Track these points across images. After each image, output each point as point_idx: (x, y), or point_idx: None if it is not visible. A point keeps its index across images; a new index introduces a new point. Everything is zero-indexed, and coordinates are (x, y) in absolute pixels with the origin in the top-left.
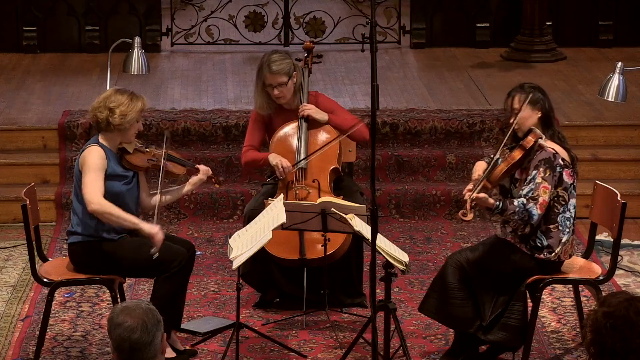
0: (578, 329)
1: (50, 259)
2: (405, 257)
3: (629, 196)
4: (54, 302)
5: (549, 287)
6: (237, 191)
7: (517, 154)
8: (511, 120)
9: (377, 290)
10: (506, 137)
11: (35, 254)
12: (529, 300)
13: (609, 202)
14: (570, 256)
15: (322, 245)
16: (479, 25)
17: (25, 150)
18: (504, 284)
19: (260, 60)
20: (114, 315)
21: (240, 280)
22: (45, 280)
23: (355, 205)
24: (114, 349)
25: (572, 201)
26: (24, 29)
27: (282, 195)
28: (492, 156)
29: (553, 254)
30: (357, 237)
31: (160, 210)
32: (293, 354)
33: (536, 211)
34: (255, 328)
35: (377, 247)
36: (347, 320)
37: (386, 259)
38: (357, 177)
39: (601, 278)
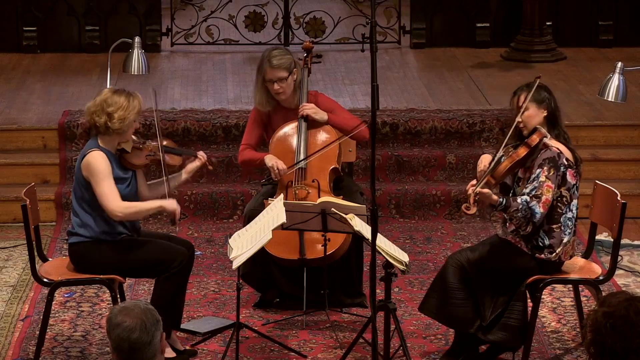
0: (578, 329)
1: (50, 259)
2: (405, 257)
3: (629, 196)
4: (54, 302)
5: (549, 287)
6: (237, 191)
7: (522, 152)
8: (517, 118)
9: (377, 290)
10: (509, 133)
11: (35, 254)
12: (529, 300)
13: (609, 202)
14: (571, 257)
15: (322, 245)
16: (479, 25)
17: (25, 150)
18: (504, 284)
19: (260, 57)
20: (113, 315)
21: (240, 280)
22: (45, 280)
23: (355, 205)
24: (113, 349)
25: (575, 202)
26: (24, 29)
27: (282, 195)
28: (496, 152)
29: (554, 254)
30: (357, 237)
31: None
32: (293, 354)
33: (539, 209)
34: (255, 328)
35: (377, 247)
36: (347, 320)
37: (386, 259)
38: (357, 177)
39: (601, 278)
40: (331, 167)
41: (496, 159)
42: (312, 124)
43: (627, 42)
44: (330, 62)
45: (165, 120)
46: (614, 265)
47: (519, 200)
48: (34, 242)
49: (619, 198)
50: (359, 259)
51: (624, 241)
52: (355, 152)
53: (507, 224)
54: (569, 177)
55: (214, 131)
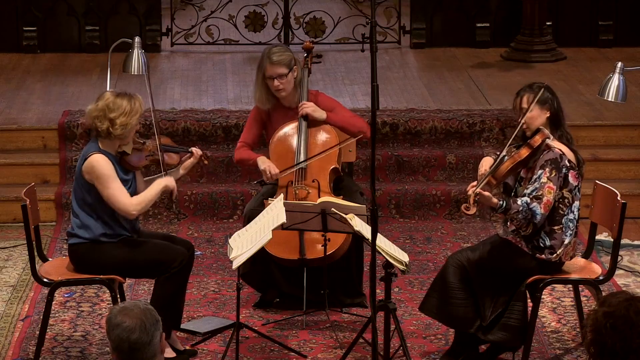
0: (578, 329)
1: (50, 259)
2: (405, 257)
3: (629, 196)
4: (54, 302)
5: (549, 287)
6: (237, 191)
7: (524, 152)
8: (519, 119)
9: (377, 290)
10: (513, 135)
11: (35, 254)
12: (529, 300)
13: (609, 202)
14: (572, 257)
15: (322, 246)
16: (479, 25)
17: (25, 150)
18: (504, 284)
19: (261, 54)
20: (112, 315)
21: (240, 280)
22: (45, 280)
23: (355, 205)
24: (113, 349)
25: (576, 203)
26: (24, 29)
27: (282, 195)
28: (498, 153)
29: (554, 254)
30: (357, 237)
31: (160, 211)
32: (293, 354)
33: (540, 211)
34: (255, 328)
35: (377, 247)
36: (347, 320)
37: (386, 259)
38: (357, 177)
39: (601, 278)
40: (331, 167)
41: (498, 158)
42: (313, 124)
43: (627, 42)
44: (330, 62)
45: (165, 120)
46: (614, 265)
47: (519, 201)
48: (34, 242)
49: (619, 198)
50: (359, 259)
51: (624, 241)
52: (355, 152)
53: (508, 224)
54: (570, 179)
55: (214, 131)
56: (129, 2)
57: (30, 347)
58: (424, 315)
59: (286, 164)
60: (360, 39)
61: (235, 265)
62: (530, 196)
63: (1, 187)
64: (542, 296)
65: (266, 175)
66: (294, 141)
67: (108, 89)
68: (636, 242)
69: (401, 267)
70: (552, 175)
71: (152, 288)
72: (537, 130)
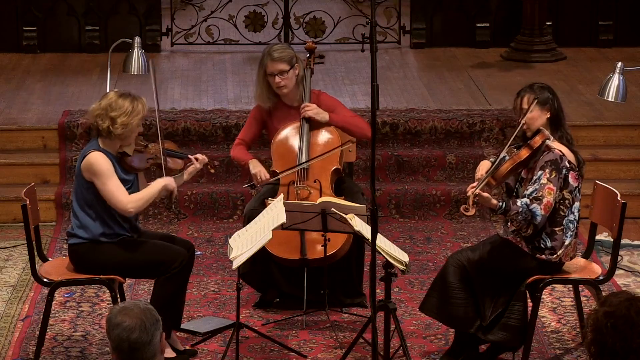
0: (578, 329)
1: (50, 259)
2: (405, 257)
3: (629, 196)
4: (54, 302)
5: (549, 287)
6: (237, 191)
7: (524, 153)
8: (520, 120)
9: (377, 290)
10: (513, 135)
11: (35, 254)
12: (529, 300)
13: (609, 202)
14: (572, 258)
15: (321, 246)
16: (479, 25)
17: (25, 150)
18: (504, 284)
19: (262, 53)
20: (112, 315)
21: (240, 280)
22: (45, 280)
23: (355, 205)
24: (113, 349)
25: (576, 204)
26: (24, 29)
27: (282, 195)
28: (497, 155)
29: (555, 255)
30: (358, 237)
31: (160, 211)
32: (293, 354)
33: (540, 212)
34: (255, 328)
35: (377, 247)
36: (347, 320)
37: (386, 259)
38: (357, 177)
39: (601, 278)
40: (333, 168)
41: (498, 159)
42: (315, 125)
43: (627, 42)
44: (330, 62)
45: (165, 120)
46: (614, 265)
47: (518, 203)
48: (34, 242)
49: (619, 198)
50: (360, 259)
51: (624, 241)
52: (355, 152)
53: (509, 224)
54: (571, 180)
55: (214, 131)
56: (129, 2)
57: (30, 347)
58: (424, 315)
59: (288, 164)
60: (360, 39)
61: (235, 265)
62: (530, 197)
63: (1, 187)
64: (542, 296)
65: (256, 180)
66: (296, 142)
67: (108, 89)
68: (636, 242)
69: (401, 267)
70: (552, 176)
71: (152, 288)
72: (538, 131)
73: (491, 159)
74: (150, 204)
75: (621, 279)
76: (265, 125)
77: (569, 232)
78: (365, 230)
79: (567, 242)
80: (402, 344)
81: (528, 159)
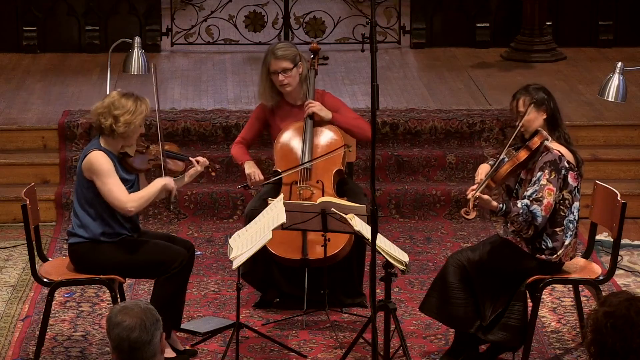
0: (578, 329)
1: (50, 259)
2: (405, 257)
3: (629, 196)
4: (54, 302)
5: (549, 287)
6: (237, 191)
7: (523, 155)
8: (517, 123)
9: (377, 290)
10: (512, 137)
11: (35, 254)
12: (529, 300)
13: (609, 202)
14: (572, 258)
15: (321, 245)
16: (479, 25)
17: (25, 150)
18: (504, 284)
19: (266, 51)
20: (112, 315)
21: (241, 280)
22: (45, 280)
23: (355, 205)
24: (113, 348)
25: (576, 204)
26: (24, 29)
27: (282, 195)
28: (497, 156)
29: (555, 255)
30: (359, 238)
31: (160, 211)
32: (293, 354)
33: (540, 213)
34: (255, 328)
35: (377, 247)
36: (347, 320)
37: (386, 259)
38: (357, 177)
39: (601, 278)
40: (336, 169)
41: (497, 161)
42: (318, 124)
43: (627, 42)
44: (330, 62)
45: (165, 120)
46: (614, 265)
47: (519, 204)
48: (34, 242)
49: (619, 198)
50: (360, 259)
51: (624, 241)
52: (355, 152)
53: (508, 225)
54: (570, 180)
55: (214, 131)
56: (129, 2)
57: (30, 347)
58: (424, 315)
59: (291, 164)
60: (360, 39)
61: (235, 265)
62: (530, 198)
63: (1, 187)
64: (542, 296)
65: (250, 180)
66: (300, 142)
67: (108, 88)
68: (636, 242)
69: (401, 267)
70: (552, 177)
71: (152, 288)
72: (536, 132)
73: (490, 162)
74: (150, 203)
75: (621, 279)
76: (267, 124)
77: (569, 232)
78: (365, 230)
79: (567, 242)
80: (402, 344)
81: (527, 160)
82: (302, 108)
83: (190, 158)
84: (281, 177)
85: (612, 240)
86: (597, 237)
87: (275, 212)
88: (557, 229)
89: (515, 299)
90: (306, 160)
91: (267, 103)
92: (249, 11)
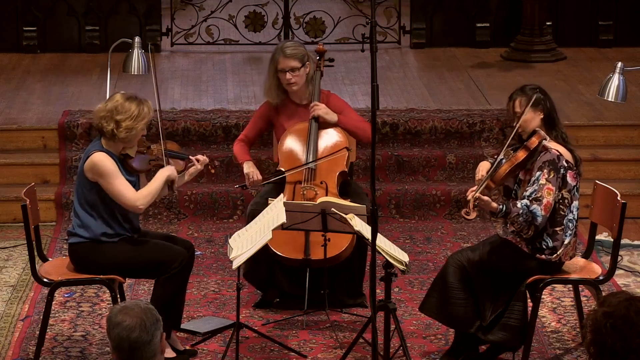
0: (578, 329)
1: (50, 259)
2: (405, 257)
3: (629, 196)
4: (54, 302)
5: (549, 287)
6: (237, 191)
7: (521, 155)
8: (514, 124)
9: (377, 290)
10: (510, 138)
11: (35, 254)
12: (529, 300)
13: (609, 202)
14: (571, 258)
15: (321, 245)
16: (479, 25)
17: (25, 150)
18: (504, 284)
19: (274, 49)
20: (113, 314)
21: (241, 280)
22: (45, 280)
23: (355, 205)
24: (113, 348)
25: (575, 203)
26: (24, 29)
27: (282, 195)
28: (495, 157)
29: (555, 255)
30: (360, 239)
31: (160, 211)
32: (293, 354)
33: (540, 212)
34: (255, 328)
35: (377, 247)
36: (347, 320)
37: (386, 259)
38: (357, 177)
39: (601, 278)
40: (340, 171)
41: (496, 162)
42: (323, 126)
43: (627, 42)
44: None
45: (165, 120)
46: (614, 265)
47: (519, 204)
48: (34, 242)
49: (619, 198)
50: (362, 260)
51: (624, 241)
52: (355, 152)
53: (508, 225)
54: (569, 179)
55: (214, 131)
56: (129, 2)
57: (30, 347)
58: (424, 315)
59: (295, 164)
60: (360, 39)
61: (235, 265)
62: (530, 198)
63: (1, 187)
64: (542, 296)
65: (248, 180)
66: (305, 142)
67: (108, 88)
68: (636, 242)
69: (401, 267)
70: (551, 176)
71: (152, 288)
72: (533, 132)
73: (490, 160)
74: (150, 204)
75: (621, 279)
76: (271, 122)
77: (569, 231)
78: (365, 230)
79: (566, 241)
80: (402, 344)
81: (525, 160)
82: (307, 107)
83: (190, 156)
84: (284, 177)
85: (612, 240)
86: (597, 237)
87: (275, 212)
88: (557, 229)
89: (515, 299)
90: (310, 160)
91: (273, 101)
92: (249, 11)
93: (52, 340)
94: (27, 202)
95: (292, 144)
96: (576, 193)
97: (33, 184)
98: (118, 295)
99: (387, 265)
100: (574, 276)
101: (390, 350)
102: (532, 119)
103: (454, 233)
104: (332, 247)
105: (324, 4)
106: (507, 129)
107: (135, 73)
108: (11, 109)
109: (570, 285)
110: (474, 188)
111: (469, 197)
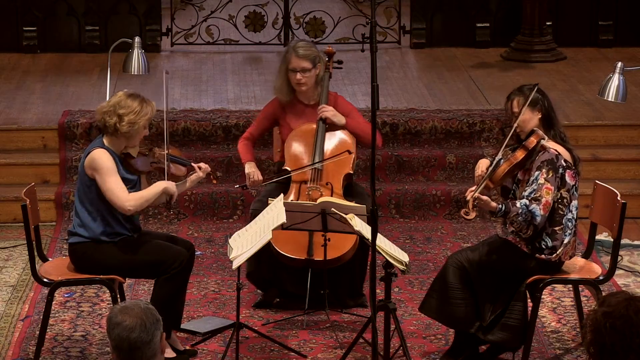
0: (578, 329)
1: (50, 259)
2: (405, 257)
3: (629, 196)
4: (54, 302)
5: (549, 287)
6: (237, 191)
7: (520, 155)
8: (512, 123)
9: (377, 290)
10: (507, 138)
11: (35, 254)
12: (529, 300)
13: (609, 202)
14: (571, 257)
15: (322, 245)
16: (479, 25)
17: (25, 150)
18: (504, 284)
19: (286, 47)
20: (113, 314)
21: (241, 280)
22: (45, 280)
23: (355, 205)
24: (113, 348)
25: (574, 202)
26: (24, 29)
27: (281, 195)
28: (494, 156)
29: (554, 254)
30: (363, 241)
31: (160, 211)
32: (293, 354)
33: (539, 212)
34: (255, 328)
35: (377, 247)
36: (347, 320)
37: (386, 259)
38: (357, 177)
39: (601, 278)
40: (346, 172)
41: (495, 162)
42: (331, 127)
43: (627, 42)
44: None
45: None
46: (614, 265)
47: (518, 204)
48: (34, 242)
49: (619, 198)
50: (363, 261)
51: (624, 241)
52: (355, 152)
53: (507, 225)
54: (567, 178)
55: (214, 131)
56: (129, 2)
57: (30, 347)
58: (424, 316)
59: (301, 164)
60: (360, 39)
61: (235, 265)
62: (529, 198)
63: (1, 187)
64: (542, 296)
65: (248, 180)
66: (312, 142)
67: (108, 88)
68: (636, 242)
69: (401, 267)
70: (550, 176)
71: (152, 288)
72: (532, 132)
73: (489, 158)
74: (150, 204)
75: (621, 279)
76: (276, 121)
77: (568, 231)
78: (365, 230)
79: (566, 241)
80: (402, 344)
81: (524, 160)
82: (315, 108)
83: (193, 164)
84: (289, 177)
85: (612, 240)
86: (597, 237)
87: (275, 212)
88: (557, 228)
89: (515, 299)
90: (317, 160)
91: (283, 99)
92: (249, 11)
93: (52, 340)
94: (27, 202)
95: (299, 144)
96: (575, 192)
97: (33, 184)
98: (118, 295)
99: (387, 265)
100: (573, 276)
101: (390, 351)
102: (530, 118)
103: (454, 233)
104: (335, 249)
105: (324, 4)
106: (507, 129)
107: (135, 73)
108: (11, 109)
109: (570, 285)
110: (473, 188)
111: (468, 197)
